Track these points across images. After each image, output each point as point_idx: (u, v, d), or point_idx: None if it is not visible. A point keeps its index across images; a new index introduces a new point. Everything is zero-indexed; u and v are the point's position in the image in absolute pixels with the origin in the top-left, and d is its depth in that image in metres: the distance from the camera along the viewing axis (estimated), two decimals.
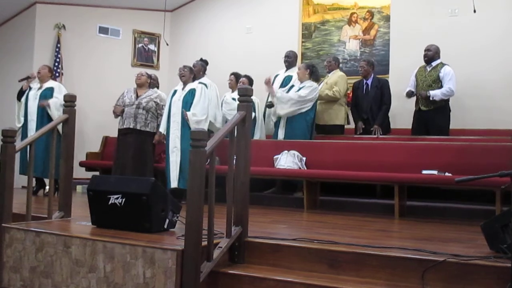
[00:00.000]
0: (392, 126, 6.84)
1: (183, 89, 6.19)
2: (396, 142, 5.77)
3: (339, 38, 8.18)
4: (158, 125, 6.26)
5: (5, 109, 8.07)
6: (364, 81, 6.84)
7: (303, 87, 6.32)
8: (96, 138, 8.16)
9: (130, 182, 3.53)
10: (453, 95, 6.31)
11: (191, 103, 6.05)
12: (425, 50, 6.44)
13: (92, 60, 8.84)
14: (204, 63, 7.10)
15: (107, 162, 7.13)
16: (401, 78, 6.98)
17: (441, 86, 6.27)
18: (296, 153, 5.84)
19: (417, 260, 2.84)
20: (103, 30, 9.04)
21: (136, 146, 6.16)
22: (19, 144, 4.02)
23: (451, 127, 6.39)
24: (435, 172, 4.94)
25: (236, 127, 3.28)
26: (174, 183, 5.91)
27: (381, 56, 7.79)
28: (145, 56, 9.48)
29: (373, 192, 6.09)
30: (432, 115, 6.29)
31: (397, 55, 7.59)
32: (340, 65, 7.50)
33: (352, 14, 8.11)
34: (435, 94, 6.22)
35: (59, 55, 8.46)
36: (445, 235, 3.91)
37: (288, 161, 5.79)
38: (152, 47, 9.54)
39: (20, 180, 5.98)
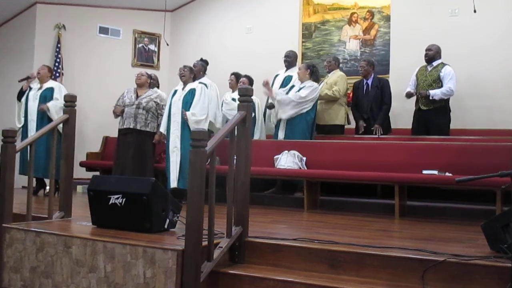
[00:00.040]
0: (392, 126, 6.84)
1: (183, 89, 6.19)
2: (396, 142, 5.77)
3: (339, 38, 8.18)
4: (159, 125, 6.26)
5: (5, 109, 8.07)
6: (365, 81, 6.84)
7: (303, 87, 6.32)
8: (96, 138, 8.16)
9: (131, 182, 3.53)
10: (452, 95, 6.31)
11: (191, 103, 6.05)
12: (426, 50, 6.44)
13: (92, 60, 8.84)
14: (204, 63, 7.10)
15: (108, 162, 7.13)
16: (402, 78, 6.98)
17: (442, 86, 6.27)
18: (297, 153, 5.84)
19: (417, 260, 2.84)
20: (104, 30, 9.05)
21: (136, 146, 6.16)
22: (19, 144, 4.02)
23: (451, 127, 6.39)
24: (435, 172, 4.94)
25: (236, 127, 3.28)
26: (174, 183, 5.92)
27: (381, 56, 7.79)
28: (145, 56, 9.48)
29: (373, 192, 6.09)
30: (432, 115, 6.29)
31: (397, 55, 7.59)
32: (340, 65, 7.51)
33: (352, 14, 8.11)
34: (435, 93, 6.22)
35: (59, 55, 8.46)
36: (446, 235, 3.91)
37: (288, 161, 5.79)
38: (152, 47, 9.54)
39: (20, 180, 5.98)
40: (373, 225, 4.41)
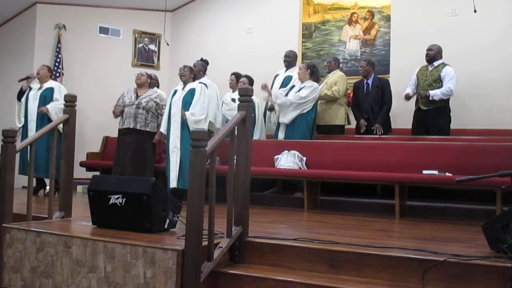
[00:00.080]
0: (392, 126, 6.84)
1: (183, 89, 6.19)
2: (396, 142, 5.77)
3: (340, 38, 8.18)
4: (159, 125, 6.26)
5: (6, 109, 8.08)
6: (365, 81, 6.84)
7: (303, 87, 6.32)
8: (96, 138, 8.17)
9: (131, 182, 3.53)
10: (452, 95, 6.31)
11: (191, 103, 6.05)
12: (427, 50, 6.44)
13: (92, 60, 8.85)
14: (204, 63, 7.10)
15: (108, 162, 7.13)
16: (402, 78, 6.98)
17: (442, 86, 6.27)
18: (297, 153, 5.84)
19: (417, 260, 2.84)
20: (104, 30, 9.05)
21: (136, 146, 6.16)
22: (19, 144, 4.02)
23: (451, 127, 6.39)
24: (435, 172, 4.94)
25: (236, 127, 3.28)
26: (173, 183, 5.91)
27: (382, 56, 7.79)
28: (145, 56, 9.48)
29: (373, 192, 6.09)
30: (432, 115, 6.29)
31: (397, 55, 7.60)
32: (341, 65, 7.51)
33: (352, 14, 8.11)
34: (435, 93, 6.22)
35: (59, 55, 8.47)
36: (446, 235, 3.91)
37: (288, 161, 5.79)
38: (152, 47, 9.54)
39: (20, 180, 5.99)
40: (373, 225, 4.41)
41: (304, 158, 5.83)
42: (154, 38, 9.53)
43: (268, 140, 6.59)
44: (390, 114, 6.80)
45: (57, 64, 8.39)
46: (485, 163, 4.73)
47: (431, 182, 4.98)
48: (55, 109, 6.49)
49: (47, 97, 6.61)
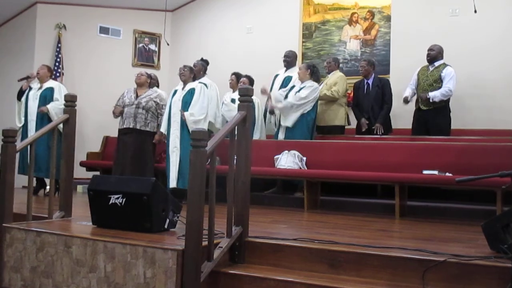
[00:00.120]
0: (393, 126, 6.84)
1: (183, 89, 6.19)
2: (396, 142, 5.77)
3: (340, 38, 8.18)
4: (159, 125, 6.26)
5: (6, 109, 8.08)
6: (365, 81, 6.84)
7: (303, 87, 6.32)
8: (96, 138, 8.17)
9: (131, 182, 3.53)
10: (451, 95, 6.31)
11: (190, 103, 6.04)
12: (428, 50, 6.44)
13: (92, 60, 8.85)
14: (204, 63, 7.10)
15: (108, 162, 7.13)
16: (402, 78, 6.98)
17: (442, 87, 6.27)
18: (297, 153, 5.84)
19: (417, 260, 2.84)
20: (104, 30, 9.05)
21: (136, 146, 6.15)
22: (19, 144, 4.02)
23: (451, 127, 6.39)
24: (435, 172, 4.94)
25: (236, 127, 3.28)
26: (173, 183, 5.91)
27: (382, 56, 7.79)
28: (145, 56, 9.49)
29: (373, 192, 6.09)
30: (432, 115, 6.29)
31: (397, 55, 7.60)
32: (341, 65, 7.51)
33: (352, 14, 8.11)
34: (435, 95, 6.22)
35: (59, 55, 8.47)
36: (446, 235, 3.91)
37: (288, 161, 5.79)
38: (152, 47, 9.55)
39: (20, 180, 5.99)
40: (374, 225, 4.41)
41: (304, 158, 5.83)
42: (154, 38, 9.53)
43: (268, 140, 6.59)
44: (391, 114, 6.80)
45: (57, 64, 8.40)
46: (485, 163, 4.73)
47: (431, 182, 4.98)
48: (55, 109, 6.49)
49: (47, 97, 6.61)
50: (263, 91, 6.68)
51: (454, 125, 6.44)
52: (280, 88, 6.70)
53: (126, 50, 9.27)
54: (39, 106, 6.56)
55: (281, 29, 8.44)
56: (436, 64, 6.40)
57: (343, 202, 5.88)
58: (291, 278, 2.94)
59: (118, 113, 6.31)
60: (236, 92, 6.16)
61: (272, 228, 4.07)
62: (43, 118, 6.51)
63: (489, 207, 4.81)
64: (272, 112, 6.75)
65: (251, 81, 6.74)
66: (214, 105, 6.43)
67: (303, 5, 8.46)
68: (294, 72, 6.78)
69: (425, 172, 4.99)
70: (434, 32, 7.17)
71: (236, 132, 3.29)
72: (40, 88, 6.71)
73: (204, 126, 5.93)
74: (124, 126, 6.23)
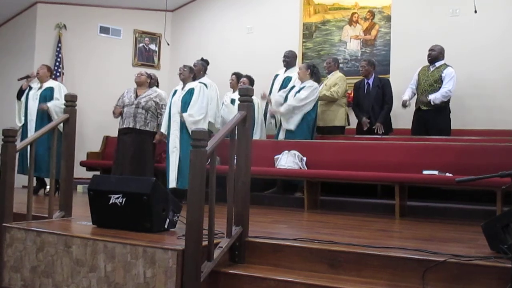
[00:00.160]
0: (393, 126, 6.83)
1: (182, 88, 6.18)
2: (397, 142, 5.77)
3: (340, 38, 8.18)
4: (159, 125, 6.26)
5: (6, 109, 8.08)
6: (366, 81, 6.84)
7: (303, 87, 6.31)
8: (96, 138, 8.17)
9: (131, 182, 3.53)
10: (451, 96, 6.31)
11: (190, 103, 6.03)
12: (429, 50, 6.44)
13: (93, 60, 8.85)
14: (204, 62, 7.10)
15: (108, 162, 7.12)
16: (402, 78, 6.98)
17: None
18: (297, 153, 5.84)
19: (417, 260, 2.84)
20: (104, 30, 9.05)
21: (136, 146, 6.15)
22: (19, 143, 4.02)
23: (451, 127, 6.38)
24: (435, 172, 4.94)
25: (236, 127, 3.28)
26: (173, 183, 5.90)
27: (382, 56, 7.79)
28: (146, 56, 9.49)
29: (373, 192, 6.09)
30: (432, 116, 6.29)
31: (398, 55, 7.60)
32: (341, 65, 7.51)
33: (353, 14, 8.11)
34: (435, 97, 6.22)
35: (60, 55, 8.47)
36: (446, 235, 3.91)
37: (288, 161, 5.79)
38: (153, 47, 9.55)
39: (20, 180, 5.99)
40: (374, 225, 4.40)
41: (304, 158, 5.83)
42: (154, 38, 9.53)
43: (268, 140, 6.58)
44: (391, 114, 6.80)
45: (57, 63, 8.40)
46: (485, 163, 4.73)
47: (431, 182, 4.98)
48: (56, 107, 6.48)
49: (47, 96, 6.61)
50: (263, 97, 6.71)
51: (454, 125, 6.44)
52: (280, 88, 6.70)
53: (126, 50, 9.27)
54: (39, 106, 6.55)
55: (281, 29, 8.44)
56: (437, 64, 6.39)
57: (343, 202, 5.87)
58: (291, 278, 2.94)
59: (118, 113, 6.31)
60: (236, 92, 6.15)
61: (272, 228, 4.07)
62: (43, 118, 6.51)
63: (489, 207, 4.81)
64: (273, 117, 6.75)
65: (251, 81, 6.74)
66: (214, 105, 6.42)
67: (303, 5, 8.47)
68: (293, 72, 6.78)
69: (425, 172, 4.99)
70: (434, 32, 7.17)
71: (236, 132, 3.29)
72: (40, 88, 6.71)
73: (204, 126, 5.91)
74: (124, 126, 6.22)
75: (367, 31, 7.98)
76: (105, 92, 8.26)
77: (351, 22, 8.11)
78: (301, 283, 2.89)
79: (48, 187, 6.60)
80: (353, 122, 6.98)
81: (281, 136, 6.39)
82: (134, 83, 6.49)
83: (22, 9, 8.73)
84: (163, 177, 6.07)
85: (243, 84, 6.44)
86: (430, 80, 6.35)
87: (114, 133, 6.64)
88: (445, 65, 6.37)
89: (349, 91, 7.12)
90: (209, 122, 6.19)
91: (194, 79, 6.31)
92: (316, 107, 6.37)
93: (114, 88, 7.61)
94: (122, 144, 6.24)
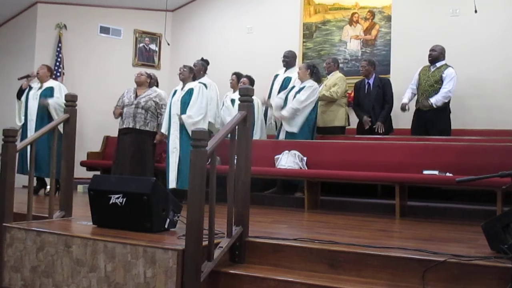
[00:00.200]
0: (394, 126, 6.83)
1: (182, 89, 6.18)
2: (397, 142, 5.76)
3: (340, 38, 8.18)
4: (159, 124, 6.26)
5: (6, 109, 8.08)
6: (366, 81, 6.83)
7: (303, 87, 6.30)
8: (97, 138, 8.17)
9: (131, 181, 3.53)
10: (451, 96, 6.31)
11: (189, 103, 6.02)
12: (430, 50, 6.43)
13: (93, 60, 8.85)
14: (205, 62, 7.10)
15: (108, 162, 7.12)
16: (402, 78, 6.98)
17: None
18: (297, 153, 5.84)
19: (417, 260, 2.84)
20: (104, 30, 9.05)
21: (136, 146, 6.15)
22: (19, 143, 4.02)
23: (452, 127, 6.38)
24: (436, 172, 4.94)
25: (237, 127, 3.28)
26: (172, 184, 5.89)
27: (382, 56, 7.79)
28: (146, 56, 9.49)
29: (374, 192, 6.09)
30: (432, 116, 6.29)
31: (398, 55, 7.60)
32: (341, 65, 7.51)
33: (353, 14, 8.11)
34: (437, 100, 6.21)
35: (60, 55, 8.47)
36: (446, 235, 3.91)
37: (289, 161, 5.79)
38: (153, 47, 9.55)
39: (20, 180, 5.99)
40: (374, 225, 4.40)
41: (305, 158, 5.82)
42: (154, 38, 9.54)
43: (269, 140, 6.58)
44: (391, 114, 6.79)
45: (57, 63, 8.40)
46: (485, 163, 4.73)
47: (431, 182, 4.98)
48: (56, 104, 6.48)
49: (47, 96, 6.60)
50: (264, 103, 6.73)
51: (454, 125, 6.44)
52: (280, 88, 6.70)
53: (127, 50, 9.27)
54: (39, 106, 6.56)
55: (282, 29, 8.44)
56: (438, 65, 6.39)
57: (343, 202, 5.87)
58: (291, 278, 2.94)
59: (118, 114, 6.32)
60: (237, 92, 6.15)
61: (272, 228, 4.07)
62: (43, 117, 6.51)
63: (489, 207, 4.81)
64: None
65: (251, 81, 6.73)
66: (214, 105, 6.42)
67: (303, 5, 8.46)
68: (293, 72, 6.78)
69: (425, 172, 4.99)
70: (435, 32, 7.17)
71: (236, 132, 3.29)
72: (40, 88, 6.70)
73: (204, 125, 5.92)
74: (124, 126, 6.22)
75: (367, 31, 7.98)
76: (106, 92, 8.26)
77: (351, 22, 8.11)
78: (301, 283, 2.89)
79: (48, 187, 6.60)
80: (353, 122, 6.98)
81: (282, 137, 6.39)
82: (134, 83, 6.49)
83: (22, 9, 8.73)
84: (163, 177, 6.06)
85: (243, 84, 6.44)
86: (430, 80, 6.35)
87: (115, 133, 6.64)
88: (446, 66, 6.37)
89: (349, 91, 7.11)
90: (209, 122, 6.18)
91: (194, 79, 6.31)
92: (316, 107, 6.37)
93: (115, 88, 7.60)
94: (122, 144, 6.24)
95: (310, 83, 6.33)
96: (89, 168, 7.56)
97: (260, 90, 6.48)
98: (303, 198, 5.65)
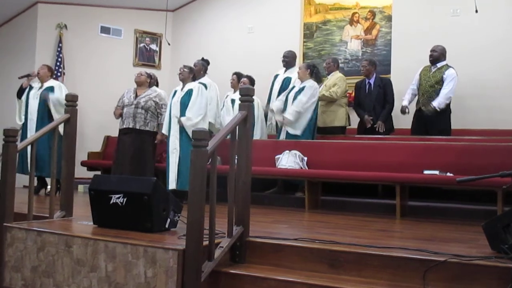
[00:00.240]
0: (394, 126, 6.83)
1: (182, 89, 6.17)
2: (397, 142, 5.76)
3: (341, 38, 8.18)
4: (159, 124, 6.25)
5: (6, 109, 8.08)
6: (367, 81, 6.83)
7: (303, 87, 6.29)
8: (97, 137, 8.18)
9: (132, 181, 3.53)
10: (452, 97, 6.30)
11: (188, 104, 6.01)
12: (430, 51, 6.43)
13: (93, 60, 8.85)
14: (205, 62, 7.09)
15: (109, 162, 7.12)
16: (403, 78, 6.98)
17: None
18: (298, 153, 5.84)
19: (418, 260, 2.84)
20: (105, 30, 9.06)
21: (136, 146, 6.14)
22: (19, 143, 4.02)
23: (452, 127, 6.38)
24: (436, 172, 4.94)
25: (237, 127, 3.28)
26: (172, 185, 5.89)
27: (383, 56, 7.78)
28: (146, 56, 9.49)
29: (374, 192, 6.08)
30: (432, 116, 6.28)
31: (398, 55, 7.60)
32: (342, 65, 7.51)
33: (353, 14, 8.11)
34: (439, 103, 6.21)
35: (60, 55, 8.47)
36: (447, 235, 3.91)
37: (289, 161, 5.79)
38: (153, 47, 9.55)
39: (21, 179, 5.99)
40: (374, 225, 4.40)
41: (305, 158, 5.82)
42: (155, 38, 9.54)
43: (269, 140, 6.58)
44: (392, 114, 6.79)
45: (58, 63, 8.40)
46: (486, 163, 4.73)
47: (432, 182, 4.97)
48: (56, 100, 6.47)
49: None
50: (264, 109, 6.75)
51: (455, 125, 6.44)
52: (280, 89, 6.69)
53: (127, 50, 9.27)
54: (39, 106, 6.55)
55: (282, 29, 8.44)
56: (439, 65, 6.39)
57: (344, 202, 5.87)
58: (291, 278, 2.94)
59: (118, 114, 6.32)
60: (237, 92, 6.15)
61: (273, 228, 4.07)
62: (44, 117, 6.51)
63: (490, 207, 4.80)
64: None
65: (251, 81, 6.73)
66: (214, 106, 6.41)
67: (304, 5, 8.46)
68: (293, 72, 6.77)
69: (426, 172, 4.99)
70: (435, 32, 7.17)
71: (237, 132, 3.29)
72: (41, 87, 6.71)
73: (204, 125, 5.91)
74: (124, 126, 6.22)
75: (368, 31, 7.98)
76: (106, 92, 8.26)
77: (352, 22, 8.11)
78: (301, 283, 2.89)
79: (49, 187, 6.60)
80: (354, 122, 6.98)
81: (282, 137, 6.38)
82: (134, 83, 6.49)
83: (23, 9, 8.73)
84: (163, 177, 6.06)
85: (243, 84, 6.43)
86: (431, 81, 6.35)
87: (115, 133, 6.65)
88: (447, 66, 6.36)
89: (349, 91, 7.11)
90: (209, 123, 6.18)
91: (194, 79, 6.29)
92: (316, 107, 6.36)
93: (115, 88, 7.60)
94: (122, 144, 6.24)
95: (310, 83, 6.33)
96: (90, 168, 7.57)
97: (260, 90, 6.46)
98: (304, 198, 5.65)
